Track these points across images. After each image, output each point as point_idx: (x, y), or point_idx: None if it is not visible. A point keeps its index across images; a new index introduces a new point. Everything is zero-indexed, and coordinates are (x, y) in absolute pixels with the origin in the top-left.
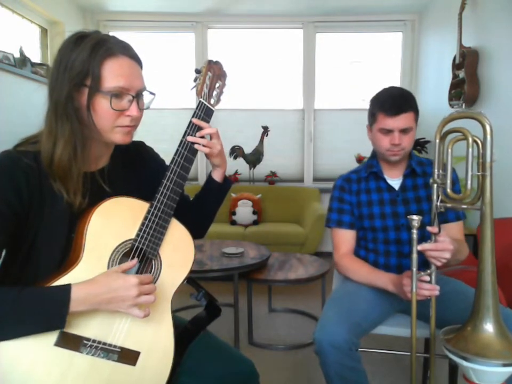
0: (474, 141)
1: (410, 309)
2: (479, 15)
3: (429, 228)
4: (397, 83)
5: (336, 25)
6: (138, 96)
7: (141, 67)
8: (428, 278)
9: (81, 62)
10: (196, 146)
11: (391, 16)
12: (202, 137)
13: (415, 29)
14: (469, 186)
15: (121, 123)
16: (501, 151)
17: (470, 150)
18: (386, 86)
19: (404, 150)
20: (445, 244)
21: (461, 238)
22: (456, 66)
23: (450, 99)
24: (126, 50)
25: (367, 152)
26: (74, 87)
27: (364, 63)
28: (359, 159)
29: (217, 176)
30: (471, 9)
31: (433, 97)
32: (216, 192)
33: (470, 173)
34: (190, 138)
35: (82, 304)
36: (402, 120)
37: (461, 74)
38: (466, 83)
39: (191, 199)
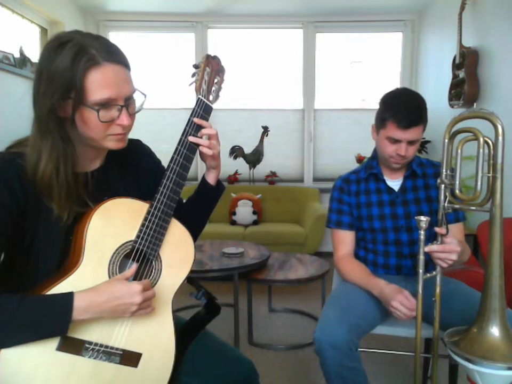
0: (485, 142)
1: None
2: (479, 15)
3: (437, 229)
4: (397, 83)
5: (336, 25)
6: (127, 102)
7: (129, 69)
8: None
9: (62, 74)
10: (200, 148)
11: (391, 16)
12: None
13: (415, 29)
14: (478, 187)
15: (113, 132)
16: None
17: (481, 150)
18: (400, 87)
19: (407, 159)
20: (452, 245)
21: (462, 239)
22: (456, 66)
23: (450, 99)
24: (110, 56)
25: (367, 152)
26: (57, 100)
27: (364, 63)
28: (359, 159)
29: (211, 179)
30: (471, 9)
31: (433, 97)
32: (210, 196)
33: (480, 174)
34: (191, 139)
35: (85, 313)
36: (412, 133)
37: (461, 74)
38: (466, 83)
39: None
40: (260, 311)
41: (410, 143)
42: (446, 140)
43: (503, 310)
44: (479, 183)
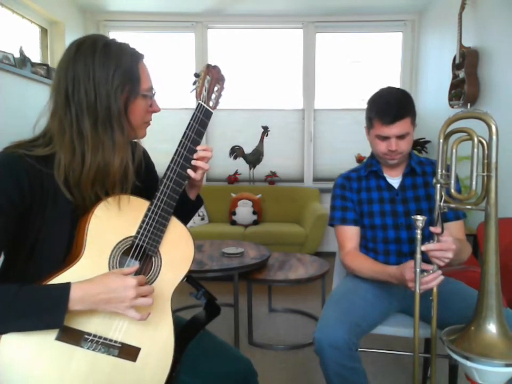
0: (480, 142)
1: (410, 309)
2: (479, 15)
3: (431, 228)
4: (397, 83)
5: (336, 25)
6: None
7: None
8: (427, 278)
9: (124, 71)
10: (189, 172)
11: (391, 16)
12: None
13: (415, 29)
14: (473, 187)
15: (147, 119)
16: (500, 151)
17: (475, 150)
18: (384, 87)
19: (402, 153)
20: (447, 243)
21: (462, 237)
22: (456, 66)
23: (450, 99)
24: (139, 51)
25: (367, 152)
26: (121, 95)
27: (364, 63)
28: (359, 159)
29: (192, 195)
30: (471, 9)
31: (433, 97)
32: (189, 209)
33: (475, 174)
34: (194, 163)
35: (80, 304)
36: (398, 128)
37: (461, 74)
38: (466, 83)
39: None
40: (260, 311)
41: (400, 137)
42: (441, 140)
43: (500, 308)
44: (474, 182)
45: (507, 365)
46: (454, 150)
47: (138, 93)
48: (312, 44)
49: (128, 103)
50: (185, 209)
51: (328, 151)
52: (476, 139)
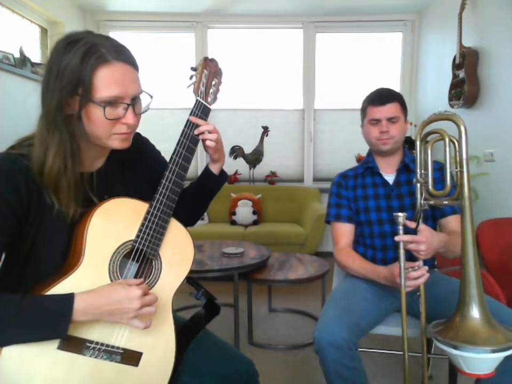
0: (451, 141)
1: (410, 308)
2: (479, 15)
3: (407, 222)
4: (397, 83)
5: (336, 25)
6: (134, 101)
7: (137, 70)
8: (414, 273)
9: (72, 70)
10: (207, 142)
11: (391, 16)
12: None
13: (415, 29)
14: (448, 182)
15: (118, 130)
16: (500, 151)
17: (447, 149)
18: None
19: (393, 139)
20: (418, 237)
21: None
22: (456, 66)
23: (450, 99)
24: (119, 55)
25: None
26: (65, 96)
27: (364, 63)
28: (359, 159)
29: (214, 170)
30: (471, 9)
31: (433, 97)
32: (212, 185)
33: (448, 170)
34: (197, 132)
35: (84, 315)
36: (388, 109)
37: (461, 74)
38: (466, 83)
39: (185, 187)
40: (260, 311)
41: (390, 120)
42: (418, 142)
43: (481, 296)
44: (448, 179)
45: (493, 351)
46: (428, 150)
47: (90, 99)
48: (312, 44)
49: (81, 107)
50: (208, 184)
51: (328, 151)
52: (447, 139)
